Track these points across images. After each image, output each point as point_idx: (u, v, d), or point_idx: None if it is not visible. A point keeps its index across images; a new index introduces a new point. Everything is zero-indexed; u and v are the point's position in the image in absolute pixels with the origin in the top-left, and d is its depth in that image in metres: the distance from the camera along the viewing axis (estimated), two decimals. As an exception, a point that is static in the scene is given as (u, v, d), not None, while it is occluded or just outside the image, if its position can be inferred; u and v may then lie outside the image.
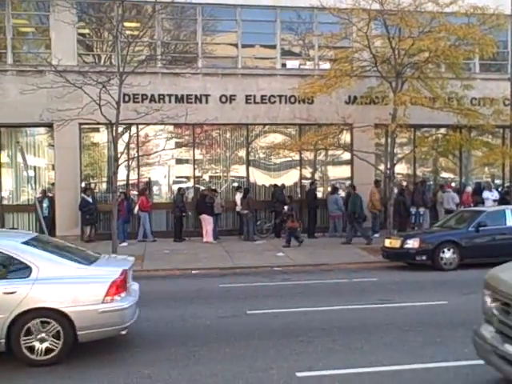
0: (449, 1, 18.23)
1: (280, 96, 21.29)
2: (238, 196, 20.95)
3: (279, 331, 9.09)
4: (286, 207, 19.76)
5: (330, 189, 22.12)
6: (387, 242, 16.11)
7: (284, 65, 22.12)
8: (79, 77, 16.57)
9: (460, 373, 7.05)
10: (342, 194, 22.12)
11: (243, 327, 9.47)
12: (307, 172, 22.80)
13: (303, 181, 22.49)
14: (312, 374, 7.05)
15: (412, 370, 7.17)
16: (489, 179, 24.20)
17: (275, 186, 21.53)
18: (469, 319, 9.72)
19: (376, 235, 20.17)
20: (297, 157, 22.08)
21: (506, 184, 22.80)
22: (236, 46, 21.59)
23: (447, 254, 15.08)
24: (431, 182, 23.93)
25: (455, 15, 18.73)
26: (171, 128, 21.50)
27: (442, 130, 22.72)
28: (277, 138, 22.33)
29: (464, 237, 15.35)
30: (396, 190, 20.28)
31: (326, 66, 21.78)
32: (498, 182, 23.82)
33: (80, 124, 19.27)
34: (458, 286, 12.72)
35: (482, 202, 21.00)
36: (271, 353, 7.96)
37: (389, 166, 19.16)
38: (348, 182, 22.17)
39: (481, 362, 6.37)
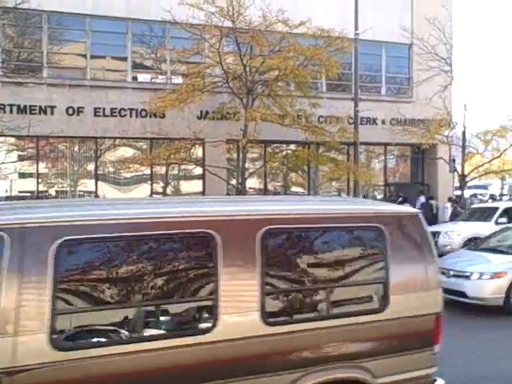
0: (297, 22, 18.84)
1: (131, 109, 20.69)
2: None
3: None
4: None
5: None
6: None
7: (135, 78, 21.56)
8: None
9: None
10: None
11: None
12: (159, 187, 22.41)
13: (154, 195, 22.09)
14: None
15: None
16: (335, 193, 25.28)
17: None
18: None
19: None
20: (148, 171, 21.62)
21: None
22: (85, 56, 20.69)
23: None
24: (281, 197, 24.48)
25: (303, 36, 19.41)
26: (12, 140, 20.17)
27: (292, 146, 23.35)
28: (127, 151, 21.72)
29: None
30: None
31: (179, 80, 21.54)
32: (343, 196, 24.86)
33: None
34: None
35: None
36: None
37: (240, 181, 19.36)
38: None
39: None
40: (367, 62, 24.10)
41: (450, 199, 23.64)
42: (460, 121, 23.60)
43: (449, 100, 23.82)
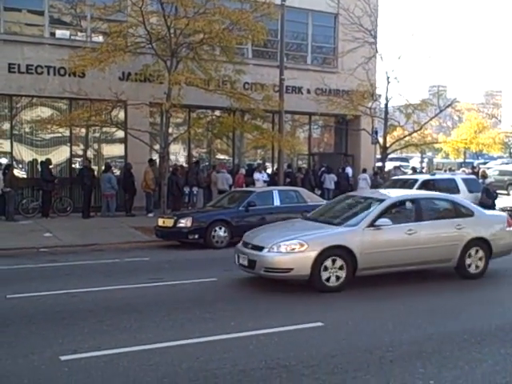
0: (223, -16, 18.45)
1: (48, 67, 19.75)
2: (-1, 173, 19.16)
3: (42, 315, 8.44)
4: None
5: (103, 167, 21.18)
6: (160, 221, 15.95)
7: (53, 34, 20.59)
8: None
9: (240, 346, 7.07)
10: (116, 172, 21.53)
11: (1, 313, 8.59)
12: (79, 149, 21.69)
13: (75, 158, 21.41)
14: (77, 357, 6.63)
15: (180, 345, 7.05)
16: (260, 161, 25.22)
17: (42, 162, 20.08)
18: (237, 294, 9.97)
19: (150, 214, 19.90)
20: (67, 133, 20.87)
21: (276, 166, 23.82)
22: (-2, 8, 19.58)
23: (219, 233, 15.32)
24: (207, 163, 24.23)
25: (229, -1, 19.10)
26: None
27: (217, 112, 23.11)
28: (45, 111, 20.82)
29: (235, 216, 15.71)
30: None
31: (100, 38, 20.78)
32: (268, 164, 24.85)
33: None
34: (228, 264, 12.96)
35: (254, 183, 21.75)
36: (33, 338, 7.33)
37: (163, 146, 18.97)
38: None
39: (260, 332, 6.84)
40: (294, 30, 24.07)
41: (364, 170, 24.10)
42: (383, 93, 23.92)
43: (372, 72, 24.07)
